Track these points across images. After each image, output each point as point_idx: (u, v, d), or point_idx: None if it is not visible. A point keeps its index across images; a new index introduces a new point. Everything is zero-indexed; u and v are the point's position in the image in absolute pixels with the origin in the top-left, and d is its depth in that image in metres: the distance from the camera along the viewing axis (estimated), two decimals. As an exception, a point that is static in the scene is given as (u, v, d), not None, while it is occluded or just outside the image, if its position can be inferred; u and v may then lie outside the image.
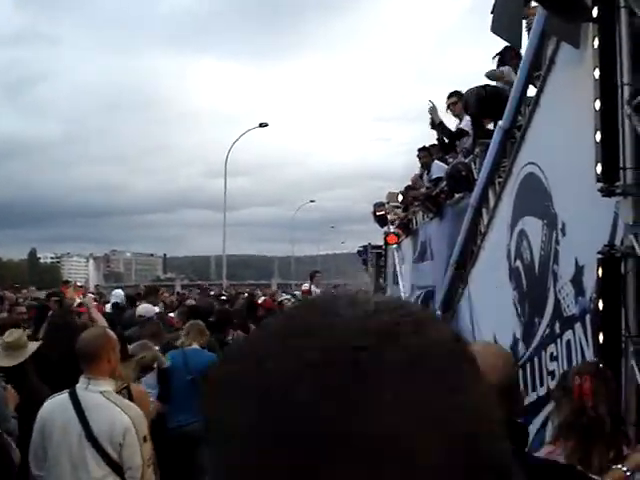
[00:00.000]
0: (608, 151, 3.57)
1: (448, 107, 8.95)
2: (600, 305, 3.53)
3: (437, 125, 9.34)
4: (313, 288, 17.00)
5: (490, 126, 6.78)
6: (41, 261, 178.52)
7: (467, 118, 8.18)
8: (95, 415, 3.66)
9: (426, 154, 10.40)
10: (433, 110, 9.26)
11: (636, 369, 3.42)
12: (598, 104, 3.64)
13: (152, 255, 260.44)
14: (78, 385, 3.77)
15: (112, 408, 3.70)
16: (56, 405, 3.77)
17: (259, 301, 15.64)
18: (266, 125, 35.29)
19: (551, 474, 2.21)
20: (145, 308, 9.71)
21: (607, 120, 3.60)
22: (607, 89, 3.63)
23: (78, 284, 18.92)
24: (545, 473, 2.19)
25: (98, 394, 3.73)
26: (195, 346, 6.54)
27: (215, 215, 38.27)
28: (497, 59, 7.36)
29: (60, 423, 3.71)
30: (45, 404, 3.84)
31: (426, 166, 10.42)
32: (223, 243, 36.46)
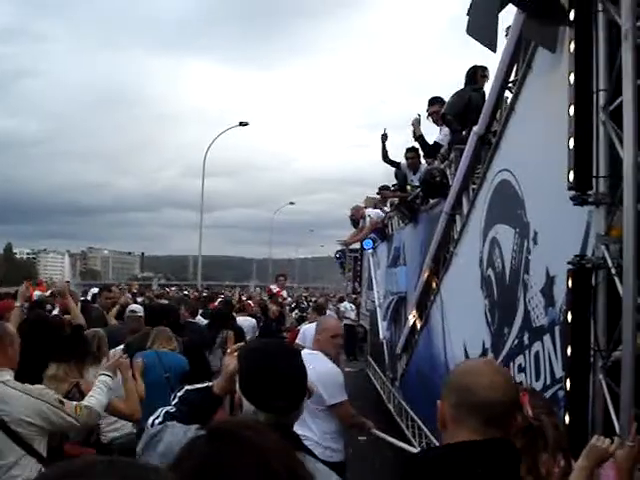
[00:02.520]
0: (581, 158, 3.46)
1: (429, 115, 8.86)
2: (569, 317, 3.41)
3: (417, 138, 9.30)
4: (276, 289, 16.98)
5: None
6: (17, 257, 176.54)
7: (445, 129, 8.11)
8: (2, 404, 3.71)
9: (414, 155, 10.24)
10: (416, 122, 9.21)
11: (604, 384, 3.31)
12: (572, 110, 3.53)
13: (130, 253, 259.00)
14: None
15: (15, 393, 3.74)
16: None
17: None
18: (246, 124, 35.05)
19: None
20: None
21: (581, 126, 3.49)
22: (582, 94, 3.52)
23: (43, 280, 18.64)
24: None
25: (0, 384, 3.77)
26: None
27: (196, 215, 38.14)
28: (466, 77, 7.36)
29: None
30: None
31: (413, 167, 10.25)
32: (199, 243, 36.17)
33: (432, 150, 8.94)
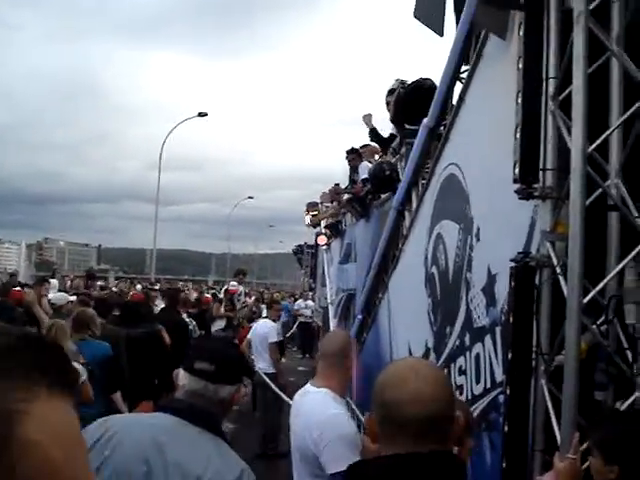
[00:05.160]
0: (528, 149, 3.24)
1: (387, 104, 8.59)
2: (511, 318, 3.19)
3: (370, 131, 9.15)
4: (237, 287, 16.56)
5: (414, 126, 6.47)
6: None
7: None
8: None
9: (354, 156, 10.18)
10: (368, 117, 9.06)
11: (546, 390, 3.10)
12: (520, 98, 3.31)
13: (87, 245, 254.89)
14: None
15: None
16: None
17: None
18: (205, 114, 34.47)
19: None
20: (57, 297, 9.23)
21: (529, 115, 3.28)
22: (531, 82, 3.30)
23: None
24: None
25: None
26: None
27: (155, 209, 37.13)
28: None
29: None
30: None
31: (354, 168, 10.16)
32: (154, 235, 35.57)
33: (388, 142, 8.77)
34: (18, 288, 9.62)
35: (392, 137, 8.75)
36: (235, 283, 17.53)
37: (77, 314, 6.33)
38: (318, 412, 3.30)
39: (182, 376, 2.40)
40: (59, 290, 11.57)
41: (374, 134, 9.12)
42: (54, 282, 12.78)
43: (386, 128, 9.12)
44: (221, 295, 16.82)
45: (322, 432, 3.14)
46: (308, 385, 3.59)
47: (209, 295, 16.80)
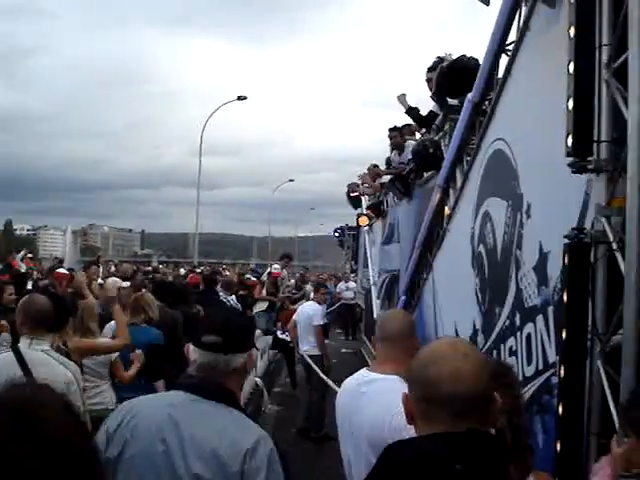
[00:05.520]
0: (581, 121, 3.10)
1: (427, 82, 8.39)
2: (565, 297, 3.07)
3: (407, 111, 8.96)
4: (281, 270, 16.48)
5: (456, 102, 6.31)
6: (17, 233, 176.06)
7: None
8: (40, 370, 3.88)
9: (397, 134, 9.94)
10: (402, 97, 8.88)
11: (602, 371, 2.98)
12: (572, 67, 3.16)
13: (130, 230, 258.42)
14: (21, 344, 4.07)
15: (55, 364, 4.03)
16: (1, 362, 3.96)
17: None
18: (245, 98, 34.44)
19: None
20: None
21: (582, 85, 3.12)
22: (583, 50, 3.15)
23: (29, 255, 18.46)
24: None
25: (41, 352, 4.03)
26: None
27: (196, 193, 37.41)
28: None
29: (6, 378, 3.80)
30: None
31: (397, 146, 9.95)
32: (196, 219, 35.84)
33: (428, 120, 8.59)
34: (63, 270, 9.81)
35: (432, 115, 8.59)
36: (278, 266, 17.51)
37: (134, 299, 6.36)
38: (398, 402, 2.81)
39: (192, 351, 2.41)
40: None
41: (412, 112, 8.93)
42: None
43: (423, 108, 8.95)
44: (264, 278, 16.82)
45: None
46: (365, 371, 3.26)
47: (253, 278, 16.78)
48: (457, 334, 5.69)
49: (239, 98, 34.58)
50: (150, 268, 25.09)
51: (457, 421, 1.78)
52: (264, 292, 14.71)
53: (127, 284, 7.75)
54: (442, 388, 1.79)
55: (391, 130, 10.08)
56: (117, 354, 5.57)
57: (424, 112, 8.81)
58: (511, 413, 2.48)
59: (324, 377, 9.48)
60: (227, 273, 17.75)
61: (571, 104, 3.13)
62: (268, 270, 17.37)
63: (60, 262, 17.84)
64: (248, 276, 17.34)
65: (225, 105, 35.26)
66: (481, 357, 1.99)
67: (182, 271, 26.58)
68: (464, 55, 6.79)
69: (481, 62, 5.44)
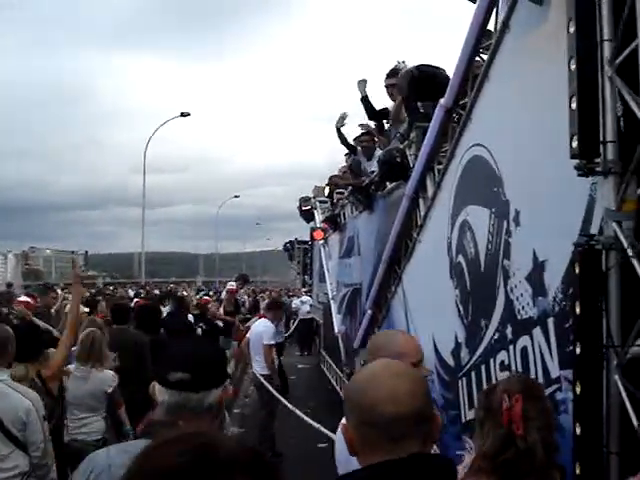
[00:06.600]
0: (587, 121, 2.92)
1: (387, 88, 8.18)
2: (577, 309, 2.87)
3: (361, 99, 8.76)
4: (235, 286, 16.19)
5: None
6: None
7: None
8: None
9: (369, 138, 9.63)
10: (362, 84, 8.69)
11: (620, 385, 2.78)
12: (574, 64, 2.98)
13: (73, 252, 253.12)
14: None
15: (12, 393, 4.18)
16: None
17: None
18: (188, 114, 34.23)
19: None
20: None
21: (585, 84, 2.95)
22: (585, 46, 2.97)
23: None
24: None
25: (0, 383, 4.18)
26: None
27: (141, 212, 36.65)
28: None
29: None
30: None
31: (368, 153, 9.64)
32: (142, 238, 35.21)
33: (378, 114, 8.47)
34: (25, 298, 9.56)
35: (384, 111, 8.43)
36: (233, 283, 17.19)
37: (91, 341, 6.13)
38: None
39: (159, 391, 2.14)
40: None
41: (366, 102, 8.73)
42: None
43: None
44: (222, 296, 16.55)
45: None
46: None
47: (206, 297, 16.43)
48: (435, 347, 5.48)
49: (182, 115, 34.37)
50: (94, 291, 24.35)
51: (398, 446, 1.70)
52: (221, 311, 14.33)
53: (86, 310, 7.55)
54: (382, 409, 1.72)
55: (362, 134, 9.83)
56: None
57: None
58: (544, 430, 2.33)
59: (277, 394, 9.38)
60: (185, 293, 17.22)
61: (574, 104, 2.95)
62: (226, 288, 17.04)
63: (9, 286, 17.45)
64: (200, 295, 17.05)
65: (168, 122, 34.89)
66: (417, 375, 1.95)
67: (130, 292, 25.92)
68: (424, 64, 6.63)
69: (452, 67, 5.27)
